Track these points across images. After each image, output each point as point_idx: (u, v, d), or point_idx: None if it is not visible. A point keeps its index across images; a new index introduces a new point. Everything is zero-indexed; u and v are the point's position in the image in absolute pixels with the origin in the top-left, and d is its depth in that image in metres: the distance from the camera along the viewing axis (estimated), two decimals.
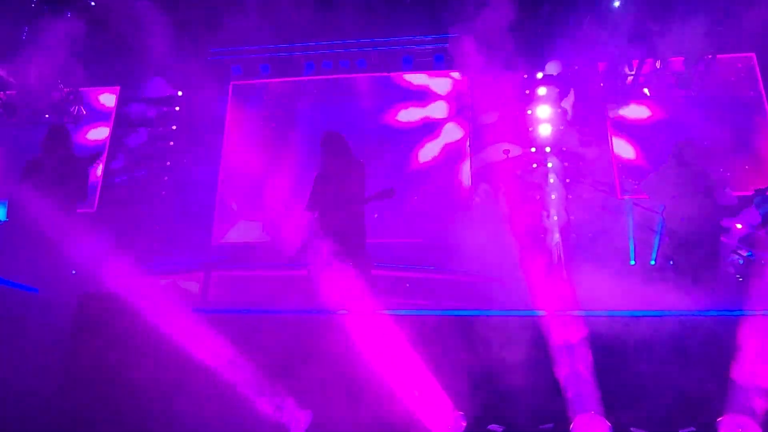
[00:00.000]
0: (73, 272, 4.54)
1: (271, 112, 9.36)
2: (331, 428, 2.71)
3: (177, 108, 9.45)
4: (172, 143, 9.35)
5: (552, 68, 8.55)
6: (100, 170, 8.70)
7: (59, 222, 4.36)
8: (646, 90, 8.38)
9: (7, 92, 9.03)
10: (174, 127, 9.39)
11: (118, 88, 9.42)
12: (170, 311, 2.71)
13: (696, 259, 4.43)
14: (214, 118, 9.36)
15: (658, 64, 8.13)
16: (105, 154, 8.70)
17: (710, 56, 8.04)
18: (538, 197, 8.43)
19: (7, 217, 4.49)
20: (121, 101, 9.37)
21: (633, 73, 8.32)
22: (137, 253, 7.91)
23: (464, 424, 2.48)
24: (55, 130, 4.71)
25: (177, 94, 9.48)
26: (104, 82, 9.23)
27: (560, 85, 8.47)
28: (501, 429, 2.35)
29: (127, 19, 8.59)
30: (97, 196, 8.56)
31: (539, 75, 8.64)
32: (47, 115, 9.08)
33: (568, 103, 8.38)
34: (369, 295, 4.42)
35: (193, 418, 2.65)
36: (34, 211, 4.32)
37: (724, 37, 7.89)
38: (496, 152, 8.20)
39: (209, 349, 2.92)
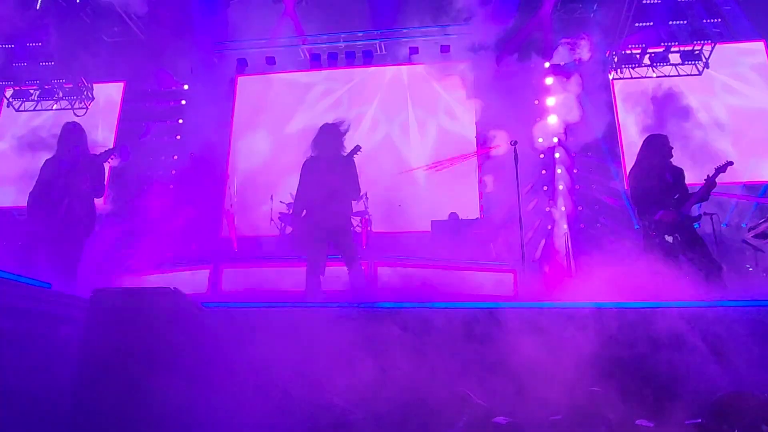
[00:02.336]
0: (85, 267, 4.60)
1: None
2: (338, 417, 2.74)
3: (183, 102, 9.48)
4: (179, 137, 9.39)
5: (561, 57, 8.49)
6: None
7: (76, 217, 4.42)
8: (653, 73, 8.28)
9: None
10: (180, 121, 9.43)
11: (124, 82, 9.46)
12: (180, 305, 2.74)
13: (672, 249, 4.47)
14: (221, 111, 9.40)
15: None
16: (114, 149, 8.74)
17: (714, 43, 7.97)
18: (545, 188, 8.41)
19: (26, 214, 4.54)
20: (128, 95, 9.42)
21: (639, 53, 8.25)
22: (146, 246, 7.99)
23: (468, 416, 2.50)
24: (70, 128, 4.75)
25: (183, 88, 9.51)
26: (110, 76, 9.27)
27: (569, 74, 8.41)
28: (506, 420, 2.37)
29: (135, 14, 8.62)
30: (105, 190, 8.63)
31: (546, 65, 8.58)
32: (55, 106, 9.16)
33: (576, 93, 8.32)
34: (368, 287, 4.46)
35: (205, 410, 2.69)
36: (51, 209, 4.37)
37: (734, 24, 7.82)
38: (504, 142, 8.19)
39: (219, 342, 2.95)
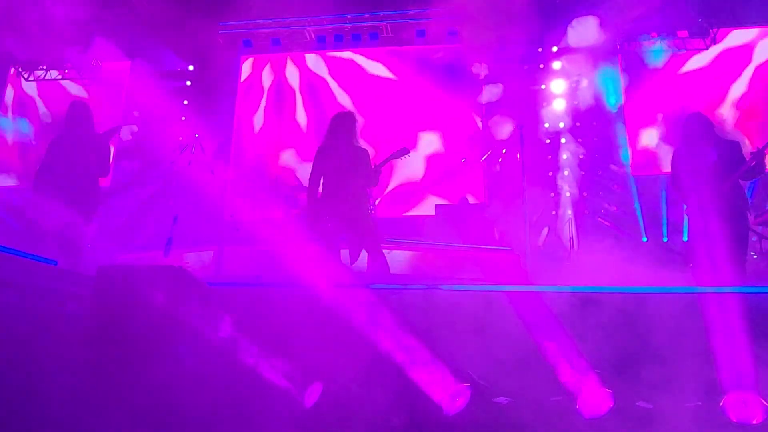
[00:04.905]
0: (89, 245, 4.62)
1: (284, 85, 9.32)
2: (340, 400, 2.77)
3: (188, 82, 9.44)
4: (183, 118, 9.37)
5: (569, 40, 8.38)
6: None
7: (81, 196, 4.44)
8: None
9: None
10: (185, 102, 9.39)
11: (129, 62, 9.41)
12: (186, 283, 2.76)
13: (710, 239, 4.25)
14: (226, 93, 9.36)
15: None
16: (120, 128, 8.71)
17: (716, 29, 7.86)
18: (550, 173, 8.38)
19: (33, 192, 4.56)
20: (133, 76, 9.38)
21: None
22: (151, 227, 8.02)
23: (470, 395, 2.53)
24: (76, 107, 4.74)
25: (188, 69, 9.46)
26: (116, 56, 9.21)
27: (577, 58, 8.31)
28: (507, 401, 2.40)
29: None
30: (111, 171, 8.64)
31: (554, 49, 8.48)
32: (67, 70, 9.14)
33: (583, 78, 8.23)
34: (378, 272, 4.48)
35: (207, 388, 2.72)
36: (57, 188, 4.38)
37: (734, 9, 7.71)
38: (509, 126, 8.12)
39: (223, 321, 2.98)
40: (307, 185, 4.62)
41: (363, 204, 4.61)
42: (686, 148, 4.49)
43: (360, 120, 4.76)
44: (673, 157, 4.64)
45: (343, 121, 4.61)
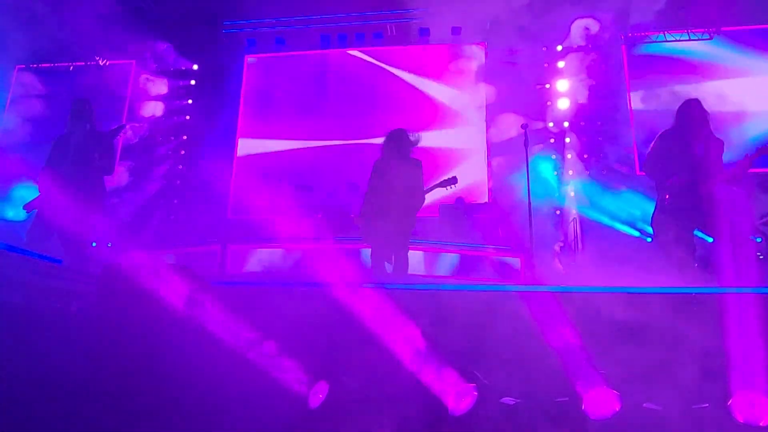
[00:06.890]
0: (93, 244, 4.63)
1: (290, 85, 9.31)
2: (346, 399, 2.76)
3: (192, 82, 9.45)
4: (188, 117, 9.38)
5: (573, 39, 8.36)
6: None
7: (86, 194, 4.43)
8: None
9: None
10: (189, 101, 9.41)
11: (134, 61, 9.42)
12: (190, 281, 2.76)
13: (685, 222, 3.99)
14: (230, 92, 9.37)
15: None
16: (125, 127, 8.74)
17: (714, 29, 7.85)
18: (555, 173, 8.35)
19: (38, 191, 4.56)
20: (137, 76, 9.40)
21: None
22: (156, 225, 8.04)
23: (476, 396, 2.51)
24: (79, 105, 4.72)
25: (192, 68, 9.48)
26: (121, 55, 9.23)
27: (581, 57, 8.29)
28: (514, 401, 2.38)
29: None
30: (115, 168, 8.67)
31: (559, 48, 8.46)
32: (72, 66, 9.19)
33: (588, 77, 8.20)
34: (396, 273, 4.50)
35: (212, 387, 2.72)
36: (62, 186, 4.38)
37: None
38: (514, 126, 8.10)
39: (226, 320, 2.97)
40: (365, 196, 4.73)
41: (408, 222, 4.67)
42: (674, 133, 4.24)
43: (415, 138, 4.79)
44: (658, 137, 4.34)
45: (389, 139, 4.72)
